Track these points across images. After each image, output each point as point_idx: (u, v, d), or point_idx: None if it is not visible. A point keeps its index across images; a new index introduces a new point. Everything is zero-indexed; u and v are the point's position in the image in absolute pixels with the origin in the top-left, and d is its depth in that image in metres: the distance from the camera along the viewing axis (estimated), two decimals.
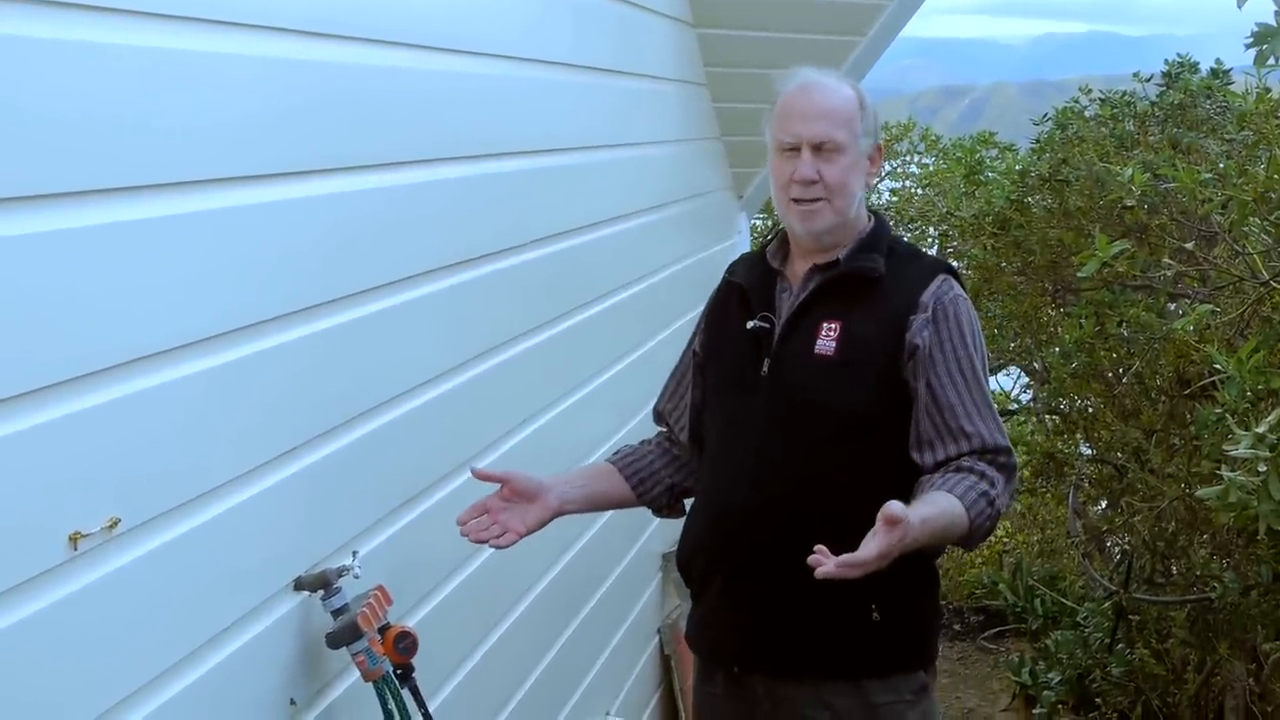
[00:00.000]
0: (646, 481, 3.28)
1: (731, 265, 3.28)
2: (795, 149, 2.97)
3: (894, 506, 2.53)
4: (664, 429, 3.37)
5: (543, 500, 3.02)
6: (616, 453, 3.34)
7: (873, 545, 2.52)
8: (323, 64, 2.72)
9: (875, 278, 2.97)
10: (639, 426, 4.87)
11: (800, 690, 3.00)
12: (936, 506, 2.72)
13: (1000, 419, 2.93)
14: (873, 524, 2.61)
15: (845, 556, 2.52)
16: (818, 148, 2.94)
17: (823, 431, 2.93)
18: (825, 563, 2.52)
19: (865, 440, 2.93)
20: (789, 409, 2.97)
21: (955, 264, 8.87)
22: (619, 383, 4.64)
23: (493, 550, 3.51)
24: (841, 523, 2.71)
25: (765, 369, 2.99)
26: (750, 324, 3.04)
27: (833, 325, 2.94)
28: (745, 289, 3.11)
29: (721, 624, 3.11)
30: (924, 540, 2.66)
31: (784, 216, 3.04)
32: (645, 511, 3.35)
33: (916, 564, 2.85)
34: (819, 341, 2.94)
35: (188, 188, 2.22)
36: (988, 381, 2.95)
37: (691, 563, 3.19)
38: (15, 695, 1.85)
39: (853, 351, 2.92)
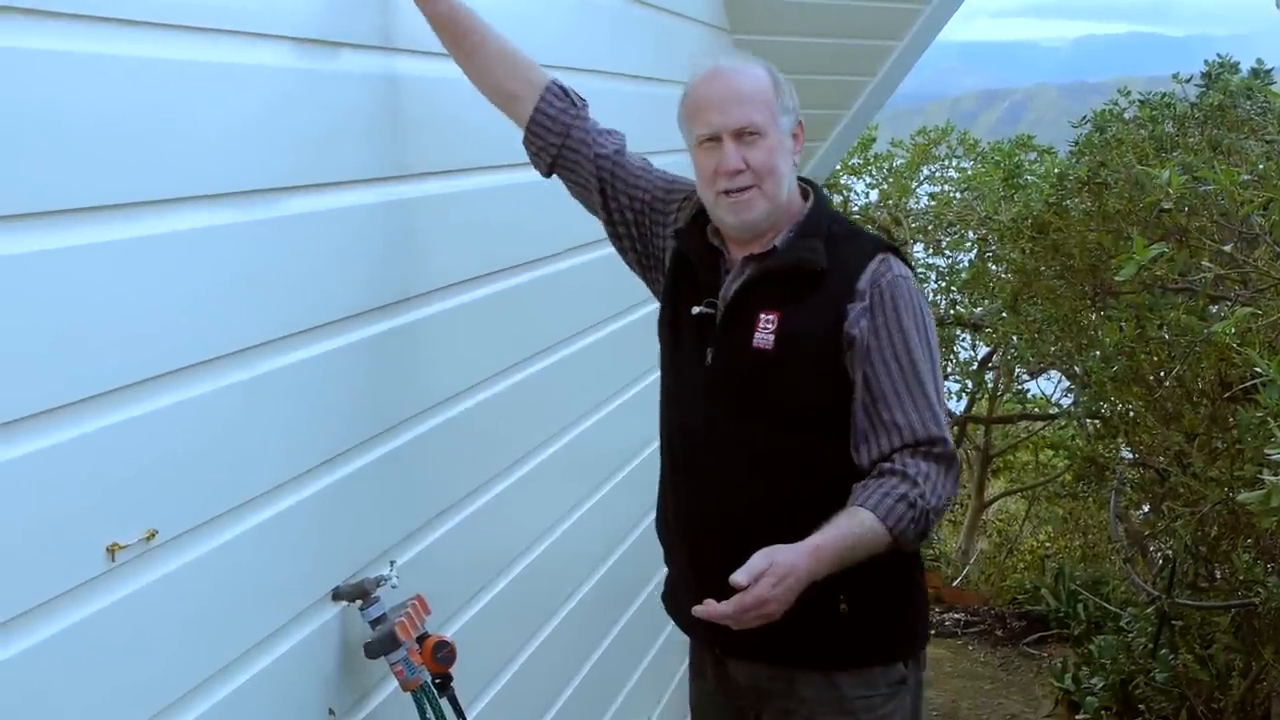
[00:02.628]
0: (543, 134, 3.10)
1: (689, 216, 3.07)
2: (716, 139, 2.83)
3: (739, 573, 2.51)
4: (603, 153, 3.13)
5: None
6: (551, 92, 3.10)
7: (729, 603, 2.52)
8: (363, 75, 2.74)
9: (815, 271, 2.83)
10: None
11: (775, 683, 2.97)
12: (836, 530, 2.63)
13: (939, 406, 2.80)
14: (829, 511, 2.66)
15: (706, 608, 2.55)
16: (738, 135, 2.82)
17: (767, 425, 2.84)
18: (702, 607, 2.57)
19: (812, 433, 2.83)
20: (731, 402, 2.87)
21: (995, 267, 8.86)
22: (655, 390, 4.62)
23: (531, 559, 3.52)
24: (798, 511, 2.70)
25: (709, 359, 2.90)
26: (695, 310, 2.94)
27: (770, 317, 2.83)
28: (695, 266, 2.99)
29: (695, 596, 2.86)
30: (825, 569, 2.60)
31: (714, 212, 2.90)
32: None
33: (888, 554, 2.74)
34: (756, 334, 2.83)
35: (224, 200, 2.23)
36: (932, 364, 2.81)
37: (661, 529, 3.16)
38: (55, 707, 1.86)
39: (790, 345, 2.80)
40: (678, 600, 3.15)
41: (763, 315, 2.83)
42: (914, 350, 2.78)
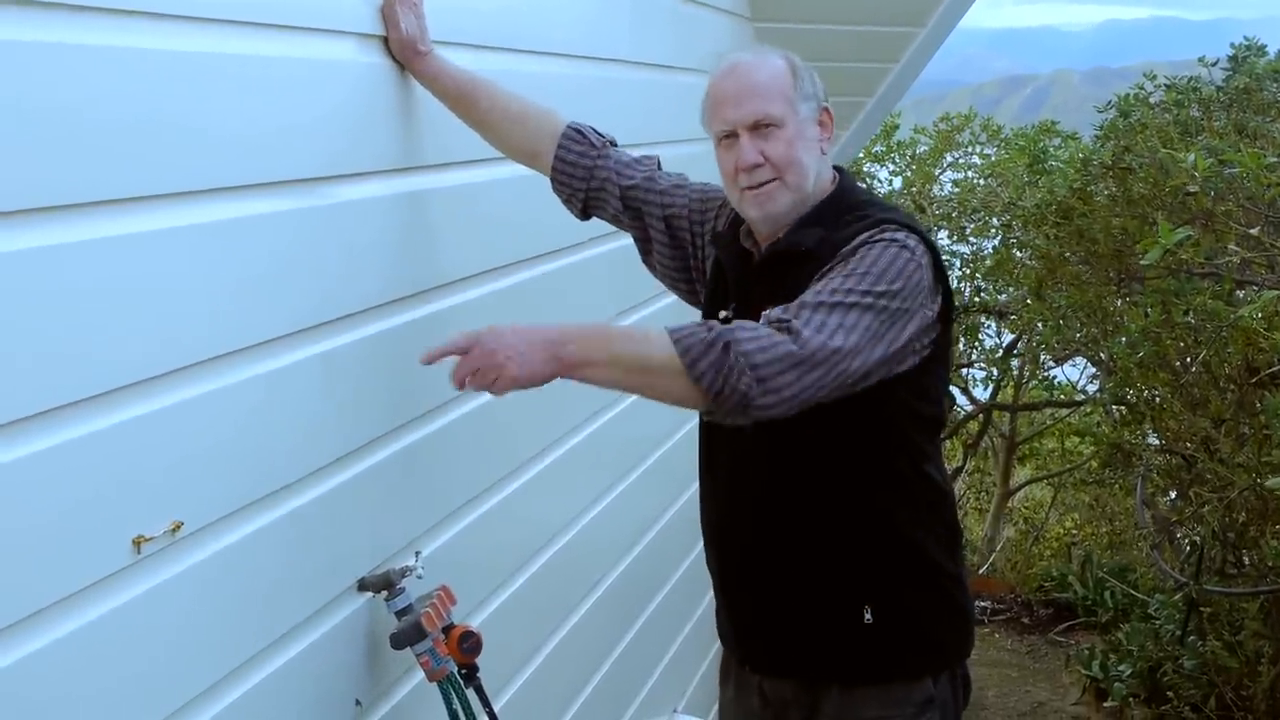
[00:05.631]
0: (568, 181, 3.10)
1: (728, 219, 2.98)
2: (734, 136, 2.75)
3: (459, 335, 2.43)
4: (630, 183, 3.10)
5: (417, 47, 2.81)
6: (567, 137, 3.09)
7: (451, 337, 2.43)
8: (384, 66, 2.74)
9: (803, 251, 2.70)
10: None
11: (795, 694, 2.88)
12: (612, 324, 2.49)
13: (822, 317, 2.48)
14: (847, 506, 2.68)
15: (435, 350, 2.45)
16: (754, 128, 2.73)
17: (775, 422, 2.56)
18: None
19: (818, 427, 2.62)
20: None
21: (1020, 253, 8.83)
22: None
23: (556, 550, 3.51)
24: (813, 511, 2.64)
25: None
26: (722, 314, 2.82)
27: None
28: (726, 271, 2.91)
29: (723, 610, 3.03)
30: (579, 348, 2.42)
31: (740, 209, 2.82)
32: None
33: (918, 558, 2.67)
34: None
35: (246, 191, 2.24)
36: (859, 299, 2.51)
37: (704, 544, 3.07)
38: (81, 699, 1.87)
39: None
40: (718, 611, 3.10)
41: (763, 311, 2.65)
42: (836, 278, 2.56)
